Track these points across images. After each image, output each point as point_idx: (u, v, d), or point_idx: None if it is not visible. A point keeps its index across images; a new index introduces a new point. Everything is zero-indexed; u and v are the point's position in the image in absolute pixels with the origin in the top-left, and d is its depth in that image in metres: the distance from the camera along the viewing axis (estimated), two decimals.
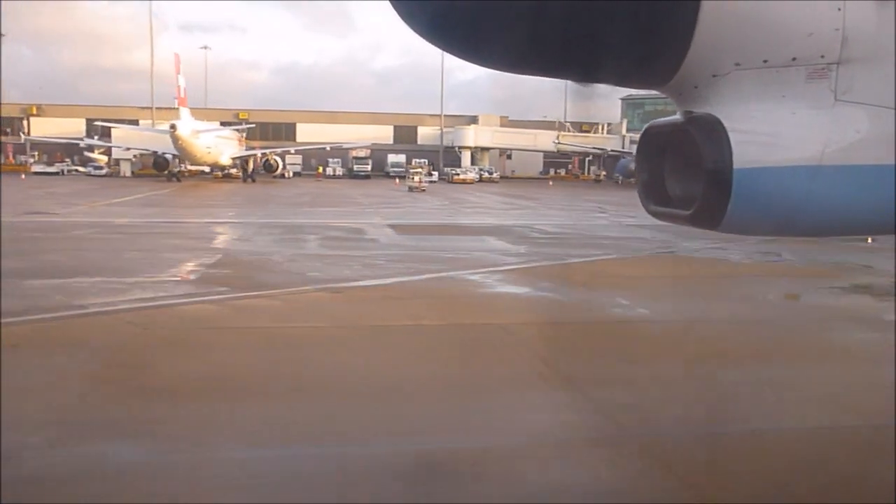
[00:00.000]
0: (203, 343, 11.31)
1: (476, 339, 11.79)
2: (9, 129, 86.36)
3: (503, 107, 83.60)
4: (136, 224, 30.65)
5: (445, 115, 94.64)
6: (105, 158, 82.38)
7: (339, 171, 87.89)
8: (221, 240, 25.57)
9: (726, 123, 4.32)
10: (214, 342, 11.34)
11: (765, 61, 4.33)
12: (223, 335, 11.83)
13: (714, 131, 4.33)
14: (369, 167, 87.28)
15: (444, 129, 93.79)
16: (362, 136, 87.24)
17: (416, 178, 62.00)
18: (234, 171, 73.78)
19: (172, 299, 14.34)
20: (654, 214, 5.15)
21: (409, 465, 7.07)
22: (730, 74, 4.32)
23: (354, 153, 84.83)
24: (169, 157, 67.98)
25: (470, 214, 40.82)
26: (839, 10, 4.31)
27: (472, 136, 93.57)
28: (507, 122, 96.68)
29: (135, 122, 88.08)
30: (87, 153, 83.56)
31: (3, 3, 78.79)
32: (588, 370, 10.24)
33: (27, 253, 20.25)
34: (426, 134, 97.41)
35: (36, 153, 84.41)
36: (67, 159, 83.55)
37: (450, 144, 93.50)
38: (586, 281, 17.83)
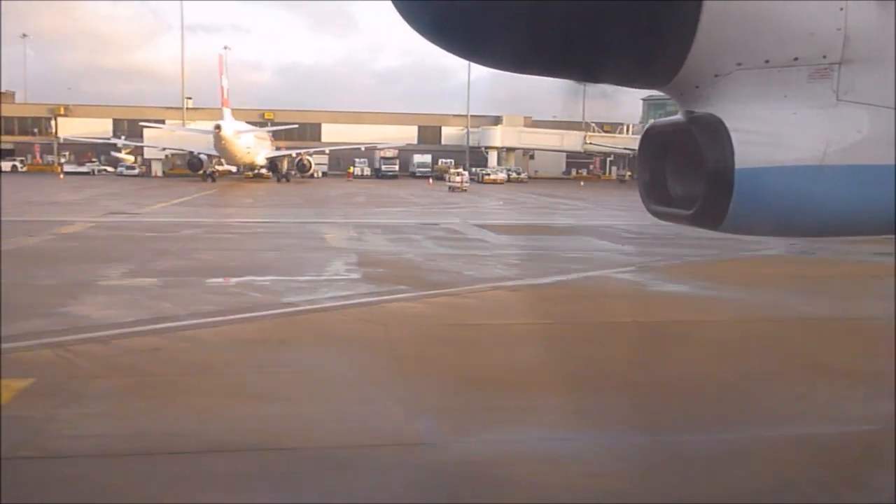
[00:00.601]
0: (459, 339, 10.80)
1: (719, 338, 11.18)
2: (36, 130, 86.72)
3: (506, 106, 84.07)
4: (233, 224, 29.27)
5: (469, 116, 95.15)
6: (132, 158, 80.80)
7: (367, 172, 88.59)
8: (335, 239, 23.67)
9: (728, 123, 4.10)
10: (468, 338, 10.85)
11: (766, 61, 4.10)
12: (466, 332, 11.29)
13: (716, 131, 4.12)
14: (397, 167, 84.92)
15: (471, 130, 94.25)
16: (386, 136, 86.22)
17: (458, 179, 60.71)
18: (263, 170, 71.89)
19: (369, 297, 13.61)
20: (656, 214, 4.85)
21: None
22: (731, 74, 4.12)
23: (382, 153, 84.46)
24: (203, 157, 68.10)
25: (539, 215, 38.35)
26: (841, 9, 4.05)
27: (499, 137, 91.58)
28: (529, 123, 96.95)
29: (161, 122, 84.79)
30: (114, 153, 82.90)
31: (2, 3, 78.60)
32: (867, 364, 9.48)
33: (175, 253, 19.25)
34: (449, 134, 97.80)
35: (66, 153, 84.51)
36: (95, 159, 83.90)
37: (475, 144, 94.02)
38: (735, 279, 16.68)
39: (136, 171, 75.60)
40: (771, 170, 4.14)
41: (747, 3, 3.99)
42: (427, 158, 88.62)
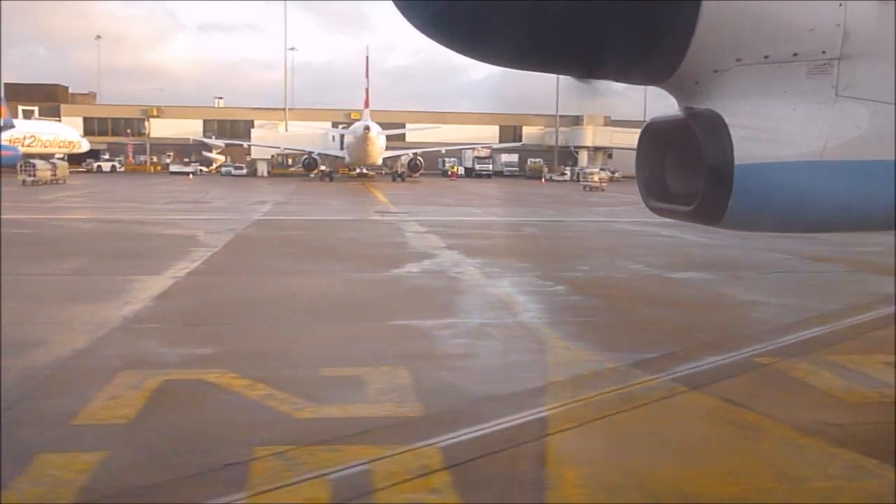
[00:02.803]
0: None
1: None
2: (129, 130, 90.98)
3: (514, 105, 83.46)
4: (482, 221, 25.41)
5: (546, 115, 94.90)
6: (222, 158, 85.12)
7: (461, 171, 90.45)
8: (599, 242, 19.09)
9: (727, 119, 4.15)
10: None
11: (766, 57, 4.15)
12: None
13: (715, 127, 4.17)
14: (491, 167, 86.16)
15: (560, 130, 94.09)
16: (468, 136, 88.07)
17: (596, 178, 56.89)
18: (367, 171, 71.68)
19: None
20: (655, 210, 4.92)
21: None
22: (731, 70, 4.17)
23: (476, 153, 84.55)
24: (316, 157, 69.42)
25: None
26: (840, 6, 4.08)
27: (590, 136, 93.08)
28: (608, 122, 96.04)
29: (250, 123, 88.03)
30: (205, 153, 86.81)
31: (2, 2, 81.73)
32: None
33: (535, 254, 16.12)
34: (529, 134, 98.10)
35: (171, 153, 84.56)
36: (186, 159, 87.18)
37: (563, 144, 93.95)
38: None
39: (243, 171, 77.96)
40: (770, 165, 4.18)
41: (746, 0, 4.06)
42: (514, 158, 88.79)
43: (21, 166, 47.18)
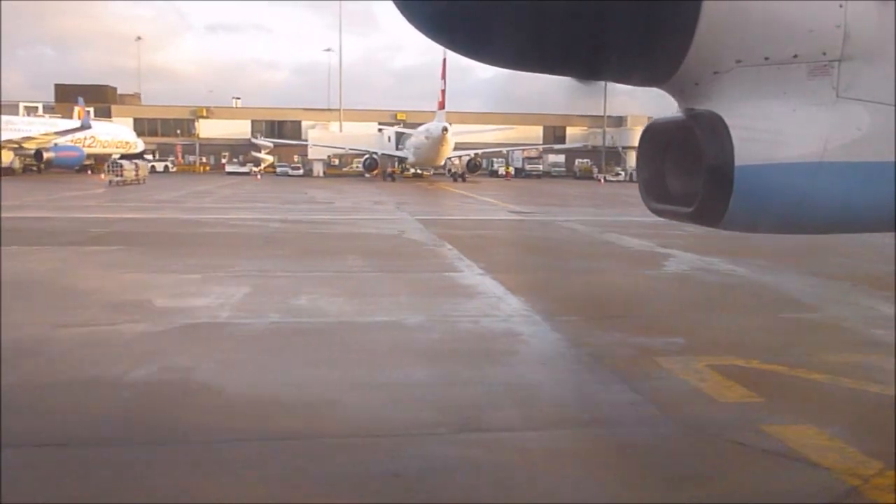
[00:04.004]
0: None
1: None
2: (178, 131, 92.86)
3: (520, 104, 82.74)
4: (637, 222, 24.25)
5: (589, 117, 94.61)
6: (271, 159, 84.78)
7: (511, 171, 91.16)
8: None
9: (728, 120, 4.14)
10: None
11: (766, 58, 4.14)
12: None
13: (715, 128, 4.16)
14: (541, 167, 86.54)
15: (607, 130, 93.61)
16: (513, 136, 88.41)
17: None
18: (422, 171, 72.72)
19: None
20: (656, 212, 4.90)
21: None
22: (731, 71, 4.17)
23: (526, 153, 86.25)
24: (376, 157, 70.87)
25: None
26: (841, 6, 4.06)
27: (637, 137, 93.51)
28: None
29: (297, 124, 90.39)
30: (253, 153, 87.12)
31: (2, 2, 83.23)
32: None
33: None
34: (573, 135, 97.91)
35: (227, 153, 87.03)
36: (235, 159, 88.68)
37: (610, 144, 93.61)
38: None
39: (300, 172, 78.94)
40: (771, 167, 4.18)
41: (747, 1, 4.05)
42: (561, 158, 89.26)
43: (108, 166, 48.39)
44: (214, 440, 5.57)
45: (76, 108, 70.80)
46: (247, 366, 7.55)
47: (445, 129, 63.35)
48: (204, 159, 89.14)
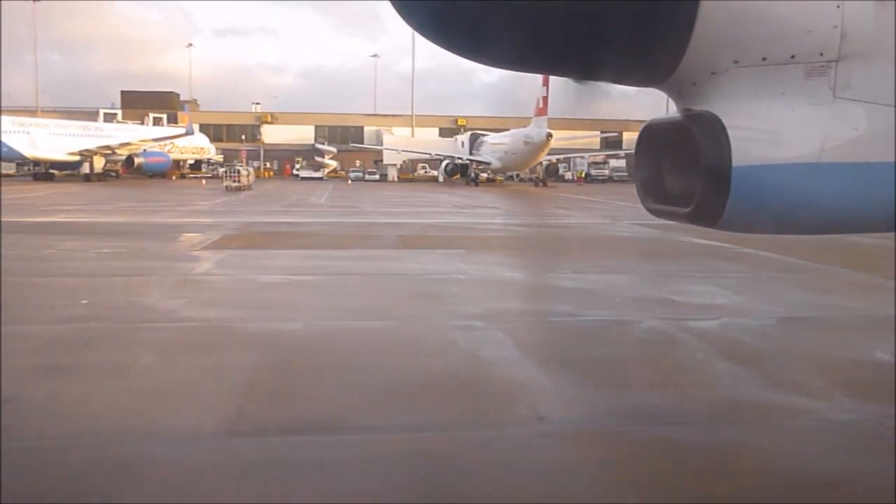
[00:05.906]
0: None
1: None
2: (243, 136, 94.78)
3: (525, 108, 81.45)
4: None
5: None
6: (335, 164, 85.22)
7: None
8: None
9: (725, 121, 4.16)
10: None
11: (764, 59, 4.15)
12: None
13: (713, 129, 4.18)
14: (607, 172, 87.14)
15: None
16: (571, 141, 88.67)
17: None
18: (484, 176, 72.79)
19: None
20: (653, 212, 4.91)
21: None
22: (729, 72, 4.18)
23: (592, 158, 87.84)
24: (458, 162, 71.44)
25: None
26: (838, 7, 4.05)
27: None
28: None
29: (360, 129, 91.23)
30: (317, 158, 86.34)
31: (2, 3, 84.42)
32: None
33: None
34: (630, 139, 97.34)
35: (299, 159, 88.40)
36: (309, 164, 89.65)
37: None
38: None
39: (376, 177, 79.79)
40: (768, 167, 4.18)
41: (744, 1, 4.06)
42: (622, 163, 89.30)
43: (226, 172, 49.72)
44: None
45: (179, 115, 72.87)
46: None
47: (550, 136, 63.28)
48: (268, 164, 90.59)
